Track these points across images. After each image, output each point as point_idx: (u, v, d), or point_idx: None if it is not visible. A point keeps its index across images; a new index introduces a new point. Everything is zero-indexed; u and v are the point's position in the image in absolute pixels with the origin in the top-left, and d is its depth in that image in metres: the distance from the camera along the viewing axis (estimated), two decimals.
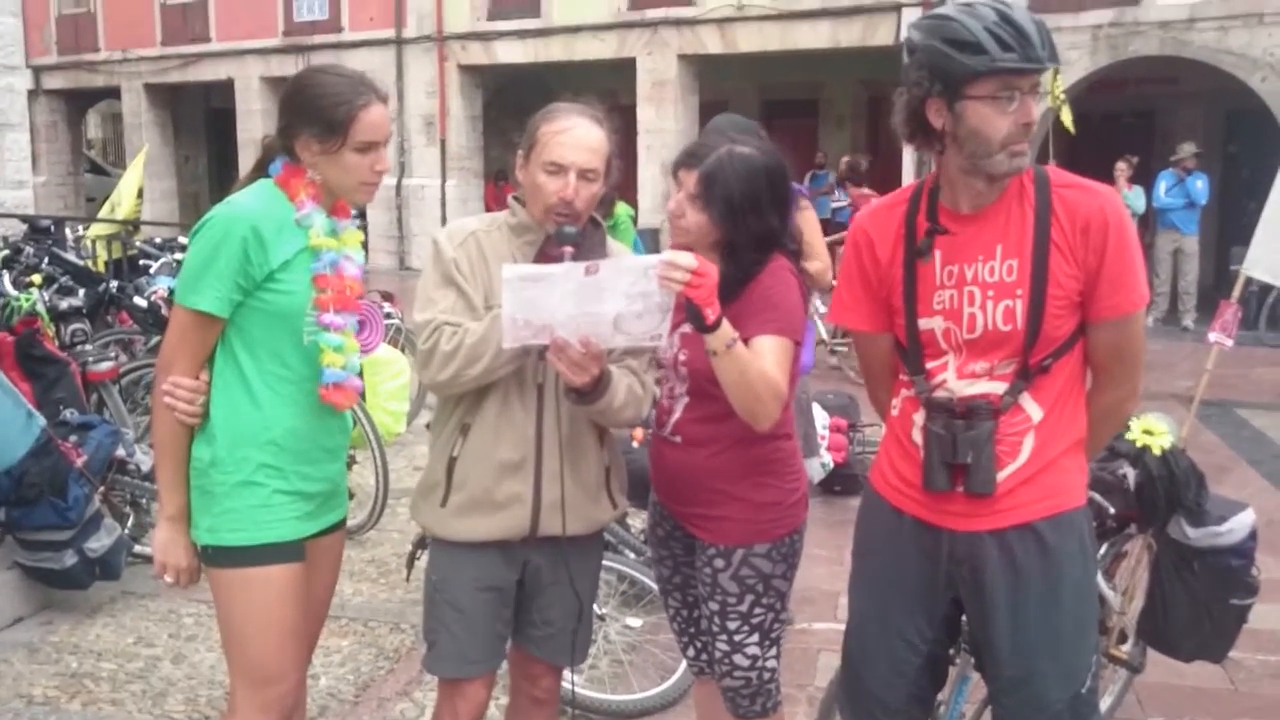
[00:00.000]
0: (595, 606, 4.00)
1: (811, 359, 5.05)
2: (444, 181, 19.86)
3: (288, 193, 2.48)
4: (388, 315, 7.20)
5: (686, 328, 2.49)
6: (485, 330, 2.45)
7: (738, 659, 2.69)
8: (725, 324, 2.36)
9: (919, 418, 2.35)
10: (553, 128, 2.53)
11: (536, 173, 2.54)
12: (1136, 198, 13.14)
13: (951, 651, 2.62)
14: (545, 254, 2.55)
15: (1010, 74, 2.12)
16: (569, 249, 2.44)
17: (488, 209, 19.70)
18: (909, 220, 2.35)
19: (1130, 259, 2.21)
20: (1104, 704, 3.66)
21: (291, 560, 2.52)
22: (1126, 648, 3.53)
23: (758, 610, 2.67)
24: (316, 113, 2.43)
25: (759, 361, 2.43)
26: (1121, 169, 13.14)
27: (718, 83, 18.40)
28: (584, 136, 2.53)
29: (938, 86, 2.17)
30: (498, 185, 19.64)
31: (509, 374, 2.53)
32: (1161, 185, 13.19)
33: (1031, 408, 2.27)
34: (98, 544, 4.49)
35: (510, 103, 19.41)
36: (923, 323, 2.33)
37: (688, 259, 2.29)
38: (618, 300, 2.32)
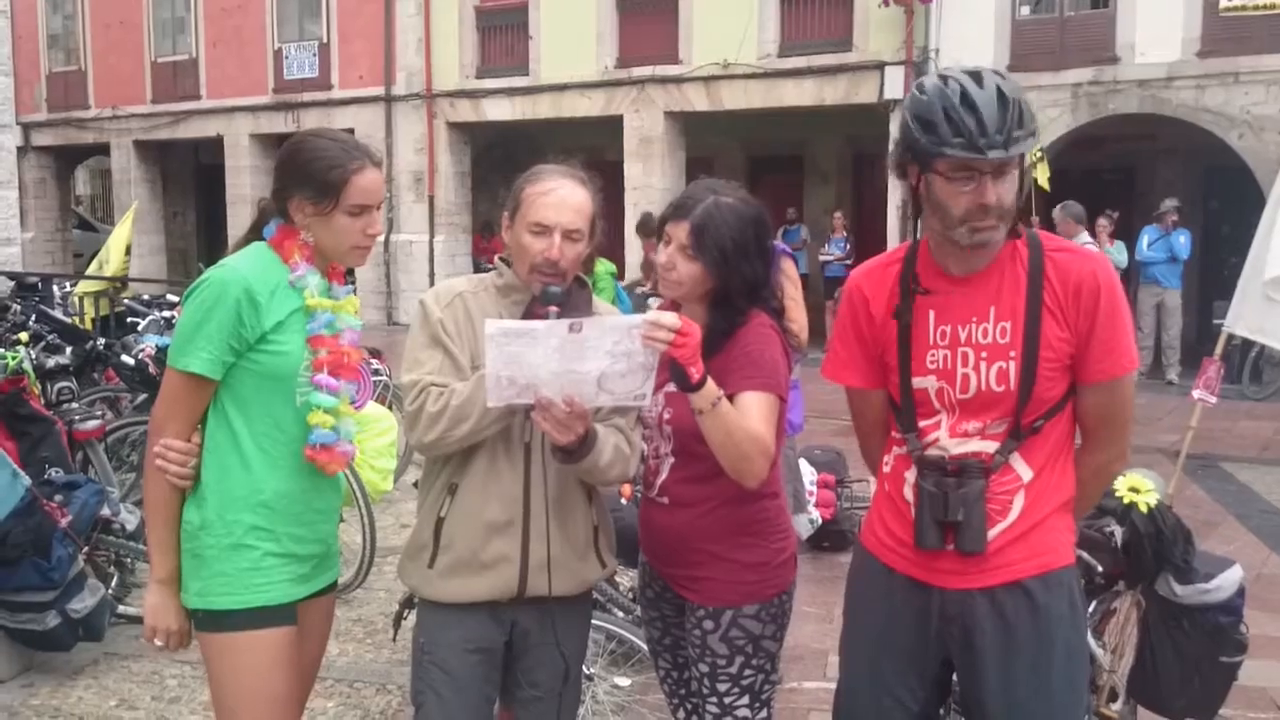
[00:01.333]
0: (584, 666, 3.98)
1: (801, 419, 5.07)
2: (432, 237, 19.96)
3: (281, 254, 2.50)
4: (375, 372, 7.19)
5: (672, 386, 2.50)
6: (471, 391, 2.46)
7: None
8: (710, 382, 2.37)
9: (910, 475, 2.37)
10: (537, 189, 2.57)
11: (522, 233, 2.56)
12: (1119, 252, 13.27)
13: (942, 712, 2.62)
14: (532, 314, 2.56)
15: (963, 157, 2.17)
16: (554, 309, 2.46)
17: (475, 259, 19.79)
18: (903, 279, 2.38)
19: (1121, 323, 2.25)
20: None
21: (283, 624, 2.51)
22: (1117, 706, 3.52)
23: (748, 672, 2.65)
24: (310, 175, 2.46)
25: (745, 418, 2.45)
26: (1103, 225, 13.28)
27: (704, 139, 18.59)
28: (568, 197, 2.56)
29: (909, 155, 2.24)
30: (485, 237, 19.76)
31: (496, 434, 2.54)
32: (1144, 239, 13.35)
33: (1021, 467, 2.29)
34: (81, 605, 4.44)
35: (498, 159, 19.59)
36: (916, 381, 2.35)
37: (671, 318, 2.31)
38: (601, 359, 2.33)
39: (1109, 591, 3.47)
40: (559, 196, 2.56)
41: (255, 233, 2.58)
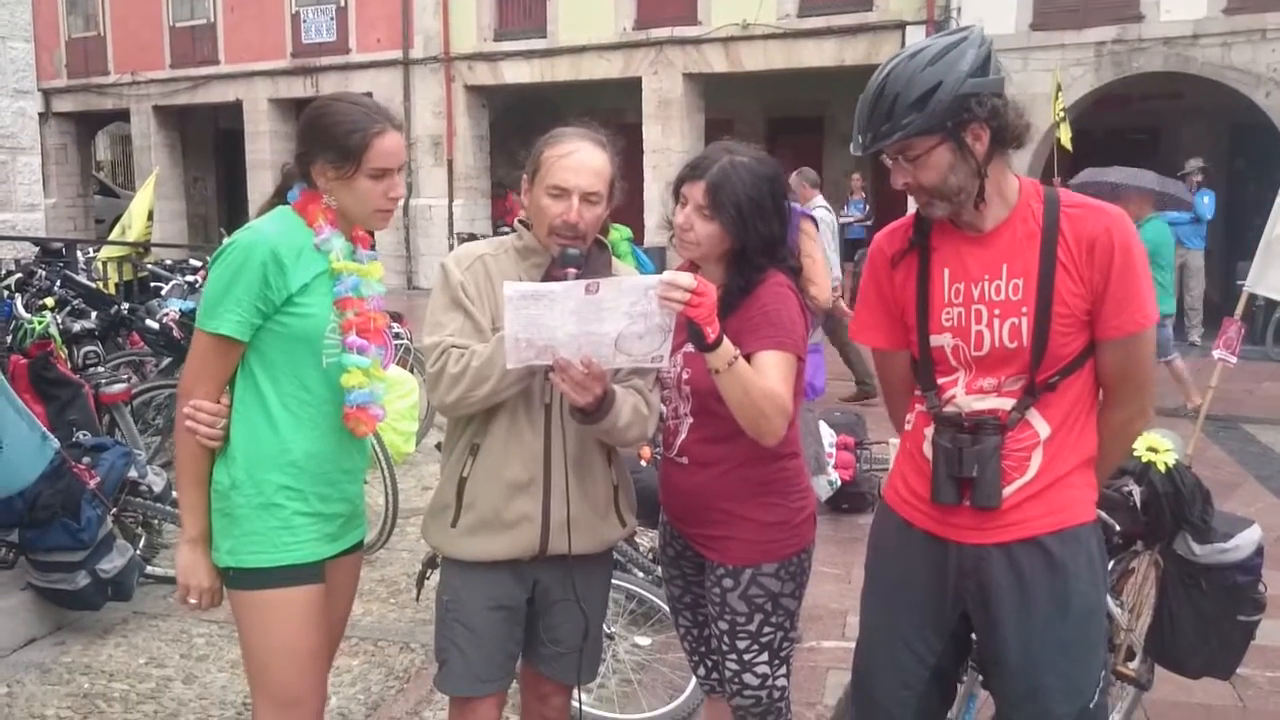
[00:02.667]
0: (605, 625, 4.03)
1: (823, 383, 5.07)
2: (451, 201, 19.96)
3: (305, 218, 2.52)
4: (396, 335, 7.23)
5: (689, 347, 2.52)
6: (491, 352, 2.48)
7: (747, 678, 2.70)
8: (726, 342, 2.40)
9: (929, 432, 2.39)
10: (556, 152, 2.58)
11: (540, 196, 2.58)
12: None
13: (960, 669, 2.64)
14: (551, 276, 2.58)
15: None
16: (573, 270, 2.48)
17: (494, 220, 19.77)
18: (915, 235, 2.41)
19: (1136, 279, 2.25)
20: None
21: (312, 582, 2.55)
22: (1134, 665, 3.54)
23: (767, 629, 2.68)
24: (332, 139, 2.47)
25: (762, 377, 2.47)
26: None
27: (723, 101, 18.48)
28: (587, 160, 2.57)
29: None
30: (506, 195, 19.71)
31: (517, 395, 2.57)
32: None
33: (1039, 424, 2.30)
34: (110, 565, 4.52)
35: (517, 122, 19.52)
36: (933, 339, 2.37)
37: (687, 279, 2.33)
38: (618, 320, 2.35)
39: (1127, 551, 3.47)
40: (578, 160, 2.57)
41: (280, 197, 2.61)
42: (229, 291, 2.42)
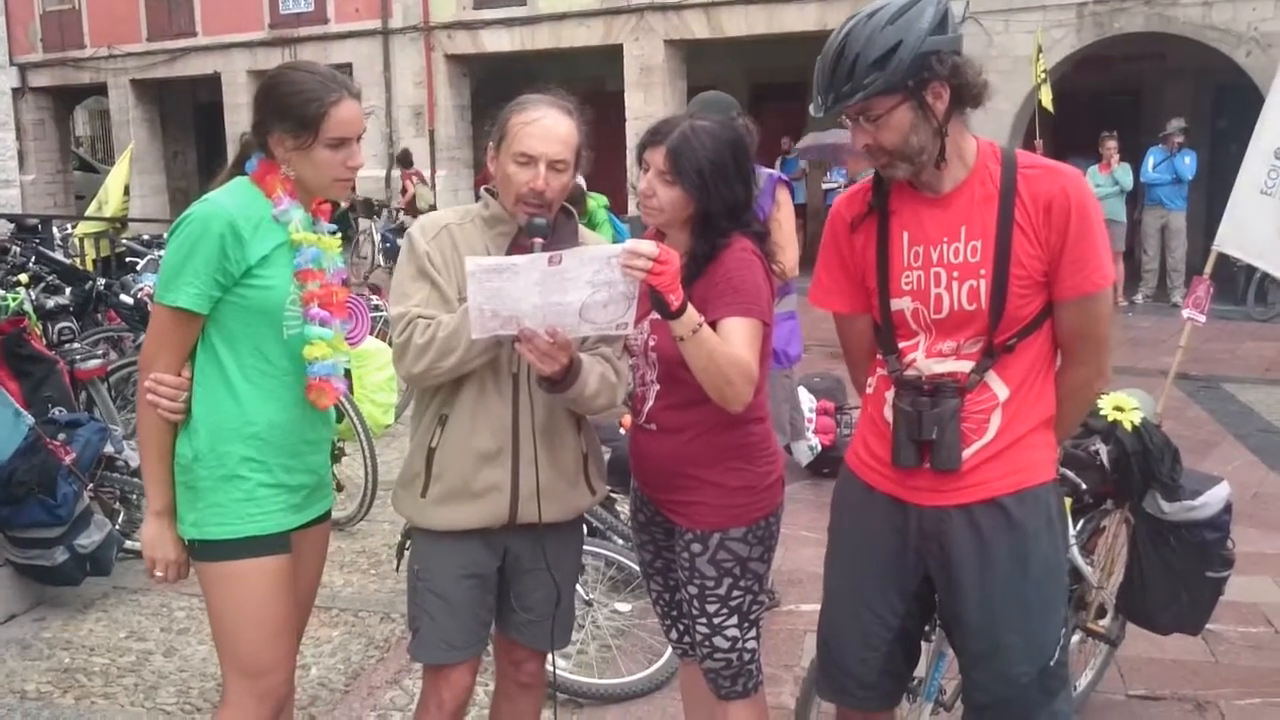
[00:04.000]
0: (583, 591, 4.05)
1: (799, 349, 5.07)
2: (434, 172, 19.84)
3: (264, 189, 2.50)
4: (375, 308, 7.22)
5: (656, 315, 2.52)
6: (457, 323, 2.48)
7: (718, 641, 2.72)
8: (690, 309, 2.39)
9: (890, 395, 2.40)
10: (522, 119, 2.56)
11: (507, 164, 2.57)
12: (1124, 174, 13.19)
13: (927, 629, 2.67)
14: (518, 245, 2.58)
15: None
16: (539, 240, 2.47)
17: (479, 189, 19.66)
18: (874, 198, 2.41)
19: (1092, 239, 2.25)
20: (1085, 678, 3.72)
21: (277, 552, 2.55)
22: (1105, 622, 3.58)
23: (735, 593, 2.70)
24: (288, 110, 2.45)
25: (726, 344, 2.47)
26: (1110, 146, 13.18)
27: (705, 68, 18.37)
28: (553, 127, 2.55)
29: None
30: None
31: (484, 364, 2.56)
32: (1149, 161, 13.24)
33: (998, 386, 2.31)
34: (88, 540, 4.52)
35: (498, 91, 19.31)
36: (894, 303, 2.37)
37: (649, 247, 2.32)
38: (582, 290, 2.35)
39: (1098, 510, 3.51)
40: (544, 126, 2.55)
41: (238, 168, 2.58)
42: (187, 264, 2.40)
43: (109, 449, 4.89)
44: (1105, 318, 2.36)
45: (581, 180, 4.58)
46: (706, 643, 2.74)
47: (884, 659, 2.48)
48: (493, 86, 19.88)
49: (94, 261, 8.83)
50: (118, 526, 4.86)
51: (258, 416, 2.50)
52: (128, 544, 4.94)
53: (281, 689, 2.62)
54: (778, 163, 16.62)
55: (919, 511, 2.37)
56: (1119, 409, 3.28)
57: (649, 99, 17.75)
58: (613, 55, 18.02)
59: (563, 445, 2.70)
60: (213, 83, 21.97)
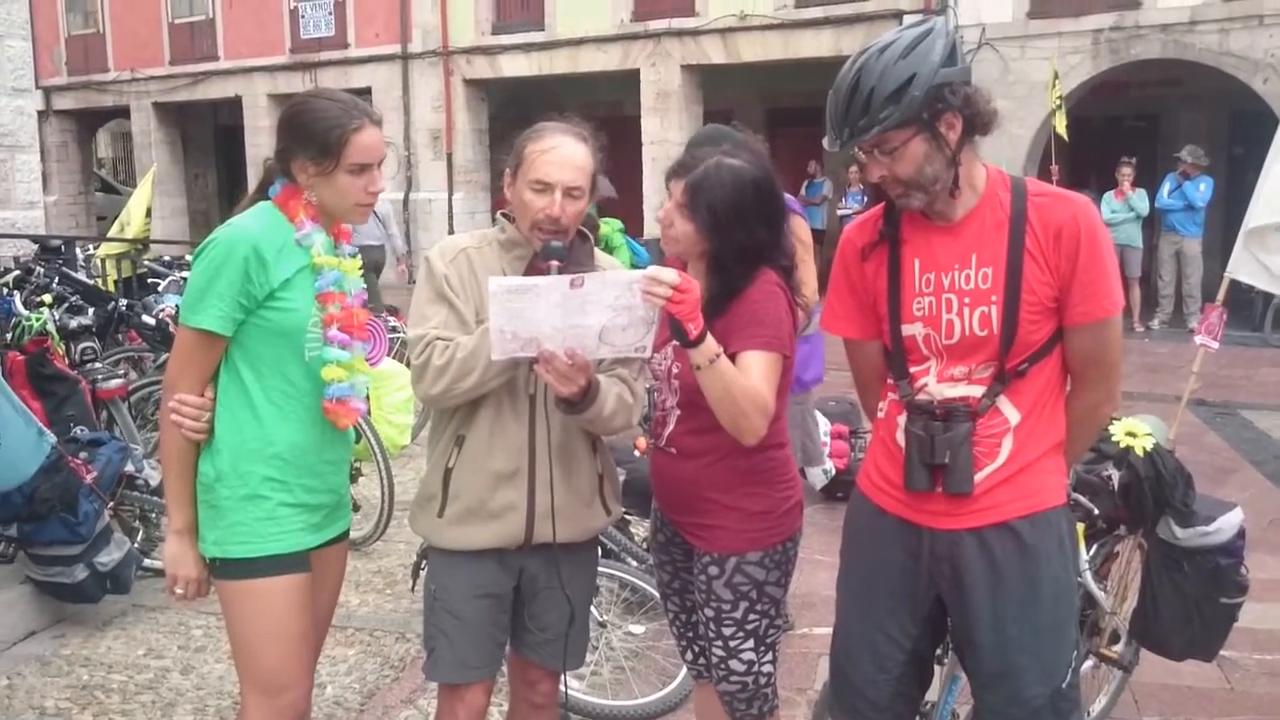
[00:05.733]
0: (597, 613, 4.07)
1: (817, 374, 5.08)
2: (451, 195, 19.95)
3: (287, 213, 2.56)
4: (393, 330, 7.27)
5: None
6: (476, 344, 2.52)
7: (733, 664, 2.73)
8: (709, 339, 2.41)
9: (902, 420, 2.43)
10: (538, 146, 2.61)
11: (523, 190, 2.61)
12: (1140, 200, 13.19)
13: (939, 652, 2.68)
14: (534, 269, 2.61)
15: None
16: (556, 263, 2.51)
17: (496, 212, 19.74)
18: (884, 225, 2.44)
19: (1103, 266, 2.28)
20: (1098, 704, 3.72)
21: (297, 571, 2.59)
22: (1119, 648, 3.57)
23: (752, 617, 2.71)
24: (310, 136, 2.51)
25: (744, 376, 2.48)
26: (1126, 173, 13.19)
27: (721, 93, 18.46)
28: (569, 155, 2.60)
29: None
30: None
31: (501, 386, 2.60)
32: (1165, 188, 13.23)
33: (1009, 410, 2.34)
34: (108, 558, 4.56)
35: (516, 115, 19.45)
36: (905, 329, 2.40)
37: (670, 274, 2.35)
38: (602, 313, 2.38)
39: (1111, 535, 3.51)
40: (560, 155, 2.59)
41: (261, 192, 2.64)
42: (211, 286, 2.45)
43: (129, 468, 4.93)
44: (1115, 343, 2.38)
45: (591, 209, 4.62)
46: (722, 665, 2.75)
47: (896, 681, 2.49)
48: (510, 110, 20.01)
49: (116, 282, 8.92)
50: (137, 545, 4.90)
51: (279, 437, 2.54)
52: (147, 562, 4.99)
53: (299, 707, 2.66)
54: (803, 186, 16.67)
55: (931, 534, 2.39)
56: (1131, 435, 3.29)
57: (665, 124, 17.83)
58: (630, 80, 18.11)
59: (578, 466, 2.73)
60: (234, 106, 22.16)
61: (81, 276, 8.08)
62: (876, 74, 2.22)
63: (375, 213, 5.24)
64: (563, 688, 2.93)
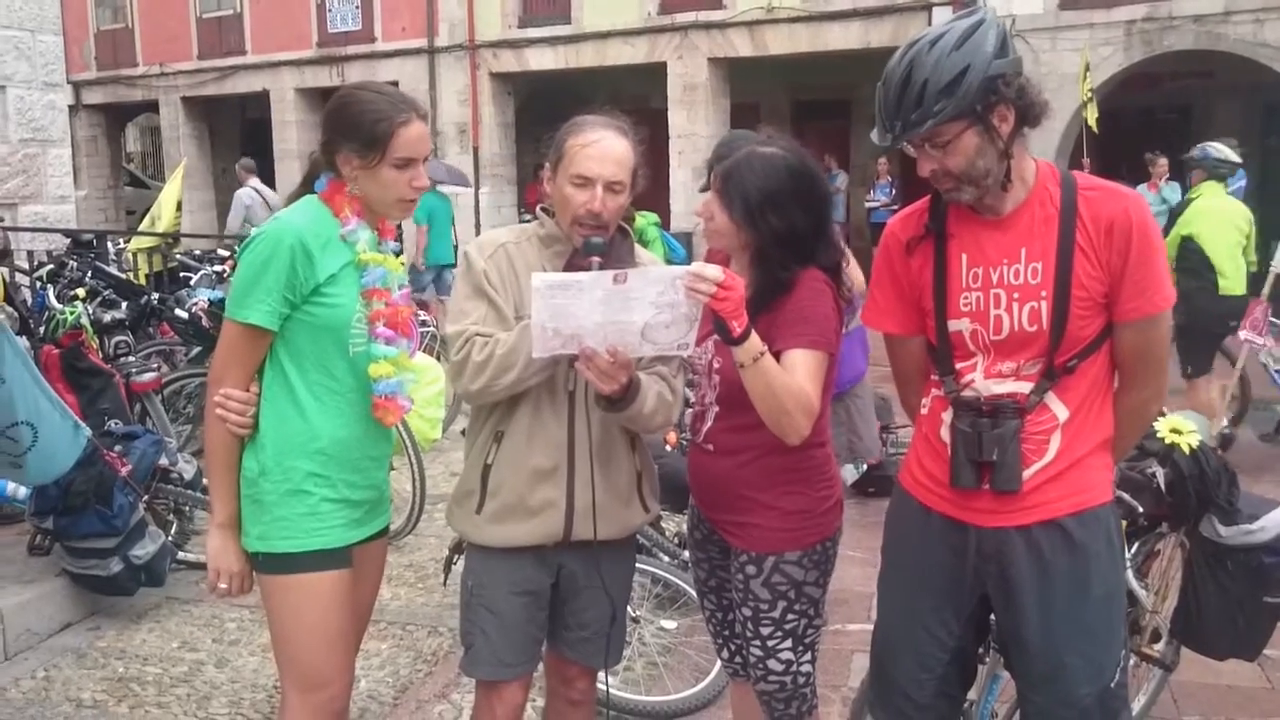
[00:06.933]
0: (630, 609, 4.05)
1: (865, 366, 5.01)
2: (477, 189, 19.98)
3: (333, 208, 2.55)
4: (422, 323, 7.28)
5: (718, 335, 2.52)
6: (515, 340, 2.50)
7: (771, 664, 2.71)
8: (753, 337, 2.38)
9: (947, 416, 2.40)
10: (579, 141, 2.58)
11: (564, 185, 2.59)
12: (1172, 192, 13.06)
13: (981, 650, 2.65)
14: (574, 265, 2.60)
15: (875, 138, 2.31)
16: (596, 259, 2.49)
17: (524, 207, 19.76)
18: (930, 220, 2.41)
19: (1154, 261, 2.25)
20: (1138, 703, 3.67)
21: (339, 566, 2.58)
22: (1159, 646, 3.53)
23: (790, 616, 2.69)
24: (356, 129, 2.49)
25: (788, 375, 2.45)
26: (1161, 165, 13.05)
27: (748, 85, 18.41)
28: (610, 149, 2.57)
29: None
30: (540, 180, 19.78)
31: (541, 382, 2.59)
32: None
33: (1057, 407, 2.31)
34: (143, 551, 4.60)
35: (542, 109, 19.48)
36: (951, 324, 2.37)
37: (714, 271, 2.32)
38: (645, 310, 2.36)
39: (1153, 533, 3.47)
40: (601, 149, 2.57)
41: (307, 186, 2.63)
42: (258, 281, 2.45)
43: (163, 461, 4.96)
44: (1165, 340, 2.35)
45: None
46: (760, 665, 2.73)
47: (939, 680, 2.47)
48: (536, 104, 20.04)
49: (147, 276, 8.97)
50: (171, 538, 4.93)
51: (323, 432, 2.54)
52: (181, 555, 5.02)
53: (339, 703, 2.65)
54: None
55: (978, 532, 2.36)
56: (1176, 431, 3.24)
57: (692, 117, 17.81)
58: (656, 73, 18.09)
59: (618, 463, 2.71)
60: (261, 100, 22.28)
61: (114, 270, 8.13)
62: (929, 66, 2.19)
63: None
64: (602, 685, 2.92)
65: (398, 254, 2.72)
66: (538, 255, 2.66)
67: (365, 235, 2.56)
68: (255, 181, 12.64)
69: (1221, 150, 7.10)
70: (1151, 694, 3.73)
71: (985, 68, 2.17)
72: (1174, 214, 7.22)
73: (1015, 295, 2.28)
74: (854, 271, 4.39)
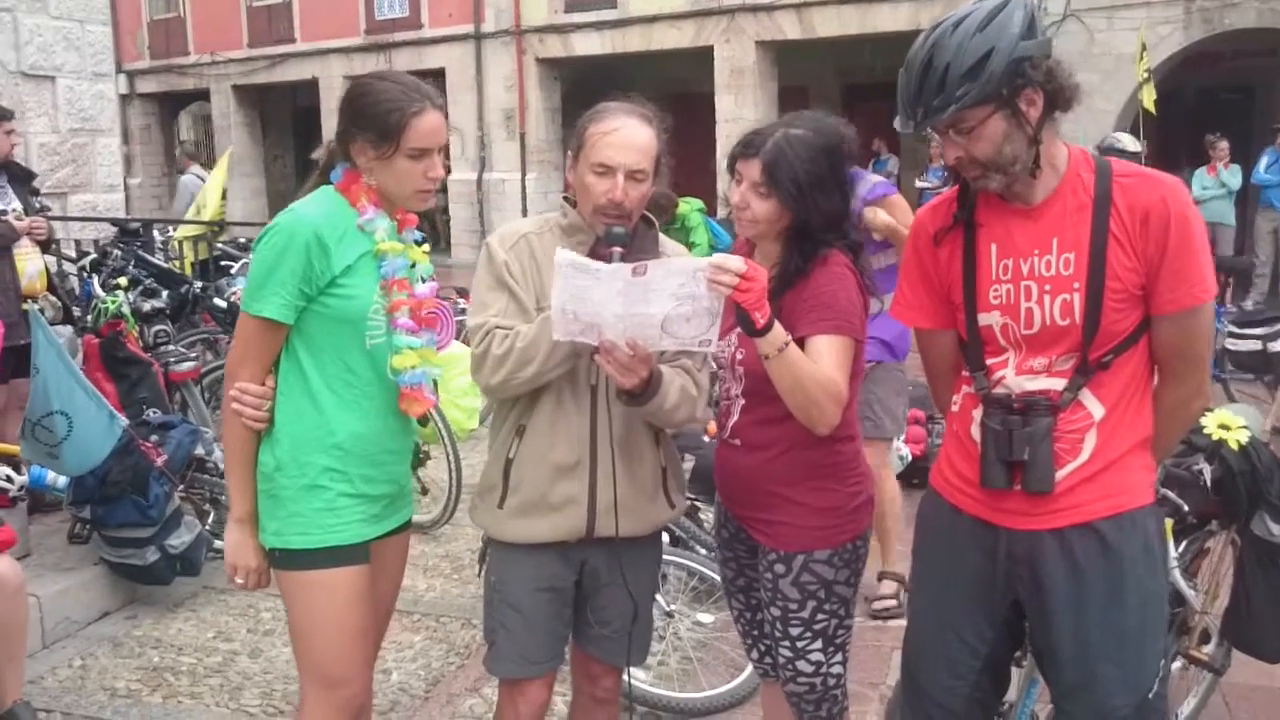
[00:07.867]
0: (664, 602, 4.00)
1: (908, 345, 4.88)
2: (524, 175, 20.00)
3: (349, 198, 2.50)
4: (461, 312, 7.25)
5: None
6: (536, 333, 2.45)
7: (801, 665, 2.64)
8: (777, 327, 2.32)
9: (978, 414, 2.31)
10: (600, 128, 2.52)
11: (585, 174, 2.53)
12: (1232, 176, 12.74)
13: (1018, 654, 2.56)
14: (596, 254, 2.53)
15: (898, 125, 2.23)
16: (618, 249, 2.43)
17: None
18: (959, 209, 2.32)
19: (1194, 251, 2.14)
20: (1187, 706, 3.56)
21: (357, 562, 2.55)
22: (1209, 649, 3.41)
23: (820, 616, 2.62)
24: (370, 119, 2.44)
25: (814, 364, 2.39)
26: (1222, 148, 12.73)
27: (796, 69, 18.22)
28: (632, 137, 2.50)
29: None
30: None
31: (562, 376, 2.53)
32: (1263, 161, 12.75)
33: (1093, 404, 2.21)
34: (179, 540, 4.61)
35: (588, 94, 19.09)
36: (981, 318, 2.28)
37: (736, 262, 2.26)
38: (665, 302, 2.29)
39: (1202, 531, 3.35)
40: (622, 136, 2.50)
41: (323, 176, 2.59)
42: (273, 274, 2.41)
43: (199, 450, 4.97)
44: (1206, 334, 2.24)
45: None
46: (790, 666, 2.66)
47: (971, 688, 2.38)
48: (583, 89, 19.94)
49: (193, 264, 9.04)
50: (207, 527, 4.95)
51: (340, 426, 2.50)
52: (216, 544, 5.02)
53: (358, 699, 2.62)
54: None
55: (1009, 535, 2.26)
56: (1225, 427, 3.12)
57: (740, 101, 17.65)
58: (703, 57, 17.95)
59: (641, 459, 2.65)
60: (311, 87, 22.43)
61: (159, 259, 8.20)
62: (951, 49, 2.09)
63: None
64: (626, 679, 2.86)
65: (420, 243, 2.67)
66: (560, 245, 2.60)
67: (383, 224, 2.51)
68: (197, 168, 13.40)
69: None
70: (1201, 697, 3.61)
71: (1011, 49, 2.07)
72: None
73: (1046, 287, 2.18)
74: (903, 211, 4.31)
